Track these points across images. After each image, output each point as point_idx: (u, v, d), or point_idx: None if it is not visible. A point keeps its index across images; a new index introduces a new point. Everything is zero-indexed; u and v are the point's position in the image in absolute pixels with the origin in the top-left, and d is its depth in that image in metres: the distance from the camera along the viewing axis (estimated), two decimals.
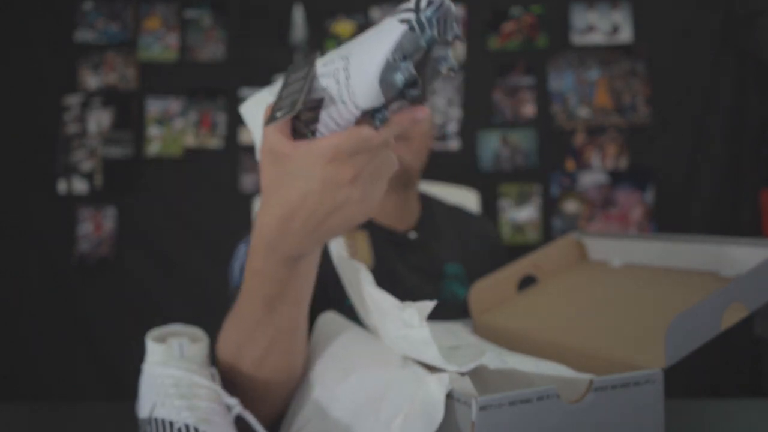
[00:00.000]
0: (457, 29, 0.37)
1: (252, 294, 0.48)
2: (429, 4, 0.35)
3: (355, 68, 0.37)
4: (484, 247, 0.89)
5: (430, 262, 0.83)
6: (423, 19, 0.35)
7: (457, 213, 0.94)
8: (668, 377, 0.44)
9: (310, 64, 0.41)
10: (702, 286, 0.54)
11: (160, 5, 1.91)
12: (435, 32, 0.36)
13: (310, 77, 0.39)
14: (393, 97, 0.37)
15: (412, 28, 0.35)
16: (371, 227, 0.83)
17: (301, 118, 0.40)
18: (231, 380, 0.54)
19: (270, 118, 0.40)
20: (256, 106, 0.51)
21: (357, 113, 0.38)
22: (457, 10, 1.92)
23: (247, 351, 0.51)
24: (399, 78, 0.36)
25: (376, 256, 0.79)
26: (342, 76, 0.38)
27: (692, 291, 0.54)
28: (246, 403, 0.51)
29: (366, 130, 0.38)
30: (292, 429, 0.52)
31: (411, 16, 0.35)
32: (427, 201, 0.92)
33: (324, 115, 0.40)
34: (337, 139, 0.38)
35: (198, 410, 0.47)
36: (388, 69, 0.36)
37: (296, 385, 0.54)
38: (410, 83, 0.36)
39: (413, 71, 0.36)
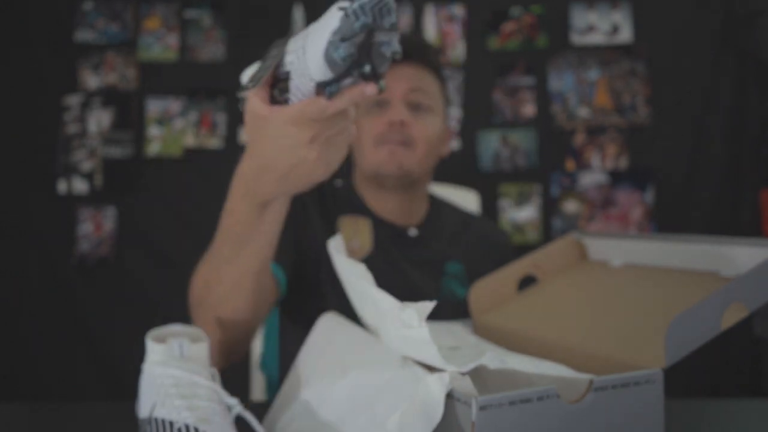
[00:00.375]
0: (393, 17, 0.45)
1: (224, 232, 0.58)
2: None
3: (309, 47, 0.45)
4: (492, 253, 0.89)
5: (430, 259, 0.84)
6: (357, 7, 0.43)
7: (466, 217, 0.95)
8: (668, 377, 0.44)
9: (284, 43, 0.49)
10: (702, 286, 0.54)
11: (160, 5, 1.91)
12: (368, 19, 0.43)
13: (280, 54, 0.48)
14: (341, 73, 0.45)
15: (347, 15, 0.43)
16: (373, 219, 0.84)
17: (278, 87, 0.50)
18: (199, 315, 0.63)
19: (243, 87, 0.49)
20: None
21: (312, 85, 0.46)
22: (457, 10, 1.92)
23: (213, 288, 0.60)
24: (339, 54, 0.44)
25: (377, 247, 0.81)
26: (301, 53, 0.46)
27: (692, 291, 0.54)
28: (213, 336, 0.60)
29: (322, 101, 0.46)
30: (278, 425, 0.52)
31: (347, 4, 0.43)
32: (435, 203, 0.93)
33: (292, 86, 0.48)
34: (300, 106, 0.46)
35: (198, 410, 0.47)
36: (330, 48, 0.44)
37: (258, 324, 0.65)
38: (349, 60, 0.44)
39: (351, 50, 0.44)
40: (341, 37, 0.43)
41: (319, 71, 0.45)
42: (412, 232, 0.87)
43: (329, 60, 0.44)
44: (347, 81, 0.46)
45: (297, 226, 0.79)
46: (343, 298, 0.64)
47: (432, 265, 0.84)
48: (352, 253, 0.80)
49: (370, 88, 0.46)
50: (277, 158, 0.49)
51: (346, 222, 0.85)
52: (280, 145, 0.48)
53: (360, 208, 0.87)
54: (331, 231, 0.83)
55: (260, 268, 0.59)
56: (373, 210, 0.88)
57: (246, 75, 0.57)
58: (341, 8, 0.43)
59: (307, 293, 0.81)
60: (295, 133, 0.47)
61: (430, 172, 0.89)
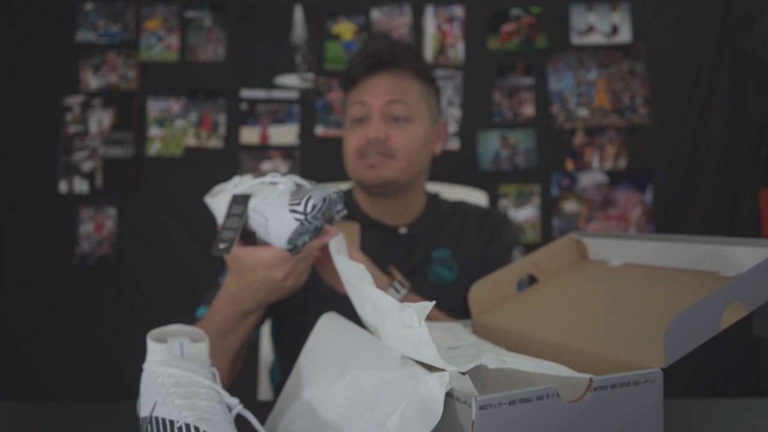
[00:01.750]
0: (342, 209, 0.60)
1: (210, 323, 0.70)
2: (313, 208, 0.55)
3: (271, 229, 0.59)
4: (478, 233, 0.93)
5: (418, 253, 0.86)
6: (310, 219, 0.56)
7: (456, 207, 0.96)
8: (667, 376, 0.44)
9: (245, 204, 0.61)
10: (701, 286, 0.54)
11: (160, 6, 1.92)
12: (320, 222, 0.57)
13: (243, 219, 0.61)
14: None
15: (302, 223, 0.57)
16: (366, 221, 0.87)
17: (246, 232, 0.63)
18: None
19: (215, 249, 0.61)
20: (217, 198, 0.70)
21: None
22: (457, 11, 1.92)
23: None
24: (300, 241, 0.59)
25: (368, 248, 0.83)
26: (264, 228, 0.59)
27: (692, 291, 0.54)
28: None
29: (287, 255, 0.60)
30: (280, 424, 0.52)
31: (300, 217, 0.56)
32: (433, 200, 0.95)
33: (258, 238, 0.63)
34: (269, 253, 0.61)
35: (198, 409, 0.47)
36: (293, 238, 0.58)
37: (233, 376, 0.76)
38: (308, 239, 0.59)
39: (307, 239, 0.58)
40: (299, 232, 0.57)
41: (282, 246, 0.59)
42: (402, 230, 0.90)
43: (291, 243, 0.58)
44: (307, 238, 0.59)
45: None
46: (328, 301, 0.75)
47: (420, 258, 0.86)
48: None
49: (328, 237, 0.59)
50: (252, 288, 0.64)
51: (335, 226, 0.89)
52: (253, 280, 0.63)
53: (354, 211, 0.92)
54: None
55: (239, 349, 0.73)
56: (366, 212, 0.92)
57: (210, 198, 0.69)
58: (296, 218, 0.56)
59: (300, 302, 0.83)
60: (269, 274, 0.62)
61: (421, 174, 0.91)
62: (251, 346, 1.03)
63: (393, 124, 0.85)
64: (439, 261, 0.88)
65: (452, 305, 0.83)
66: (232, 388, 0.52)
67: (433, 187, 1.04)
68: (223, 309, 0.68)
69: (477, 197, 1.20)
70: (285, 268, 0.61)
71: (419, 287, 0.82)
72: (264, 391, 1.09)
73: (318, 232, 0.58)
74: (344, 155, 0.90)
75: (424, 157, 0.89)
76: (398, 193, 0.89)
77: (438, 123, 0.94)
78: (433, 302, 0.43)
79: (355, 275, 0.51)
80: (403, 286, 0.73)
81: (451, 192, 1.09)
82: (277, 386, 0.97)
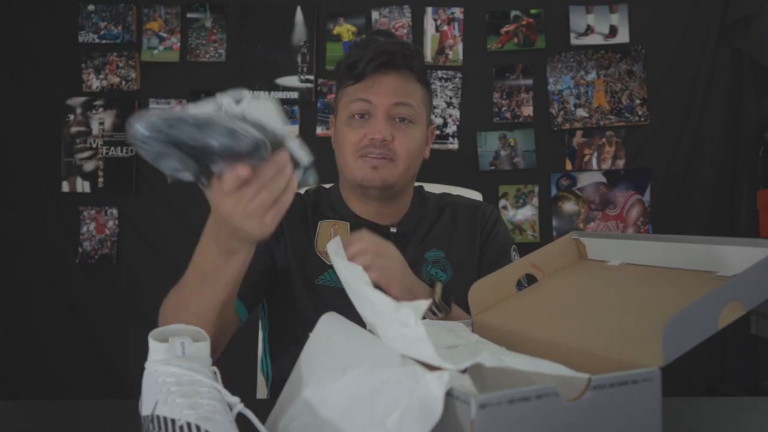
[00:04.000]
0: (186, 127, 0.53)
1: (194, 267, 0.66)
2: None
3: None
4: (466, 231, 0.93)
5: (411, 252, 0.86)
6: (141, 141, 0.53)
7: (442, 203, 0.96)
8: (666, 375, 0.44)
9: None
10: (699, 286, 0.54)
11: (161, 8, 1.92)
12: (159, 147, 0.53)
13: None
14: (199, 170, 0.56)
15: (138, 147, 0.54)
16: (356, 221, 0.87)
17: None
18: None
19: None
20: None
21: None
22: (456, 12, 1.93)
23: (180, 315, 0.66)
24: (166, 167, 0.55)
25: None
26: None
27: (690, 290, 0.54)
28: None
29: (215, 185, 0.57)
30: (281, 423, 0.52)
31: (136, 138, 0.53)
32: (419, 197, 0.95)
33: None
34: (212, 189, 0.57)
35: (199, 408, 0.47)
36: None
37: (217, 351, 0.70)
38: (187, 166, 0.55)
39: (175, 164, 0.54)
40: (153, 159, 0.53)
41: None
42: (393, 230, 0.89)
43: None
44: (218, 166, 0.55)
45: (269, 246, 0.86)
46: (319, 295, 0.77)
47: (413, 258, 0.87)
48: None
49: (241, 170, 0.55)
50: (222, 220, 0.60)
51: (325, 226, 0.89)
52: (218, 210, 0.60)
53: (343, 211, 0.90)
54: (312, 235, 0.88)
55: (224, 302, 0.66)
56: (355, 212, 0.91)
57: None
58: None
59: (289, 297, 0.83)
60: (220, 202, 0.58)
61: (414, 177, 0.91)
62: (249, 345, 1.02)
63: (396, 126, 0.85)
64: (432, 262, 0.88)
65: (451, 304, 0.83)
66: (230, 388, 0.52)
67: (431, 188, 1.04)
68: (205, 247, 0.64)
69: (473, 197, 1.20)
70: (230, 199, 0.56)
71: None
72: (262, 390, 1.10)
73: (257, 154, 0.52)
74: (339, 151, 0.88)
75: (419, 161, 0.90)
76: (393, 195, 0.89)
77: (430, 127, 0.94)
78: (429, 300, 0.44)
79: (353, 276, 0.52)
80: (439, 309, 0.73)
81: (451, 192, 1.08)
82: (271, 384, 0.95)
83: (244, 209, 0.56)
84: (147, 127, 0.49)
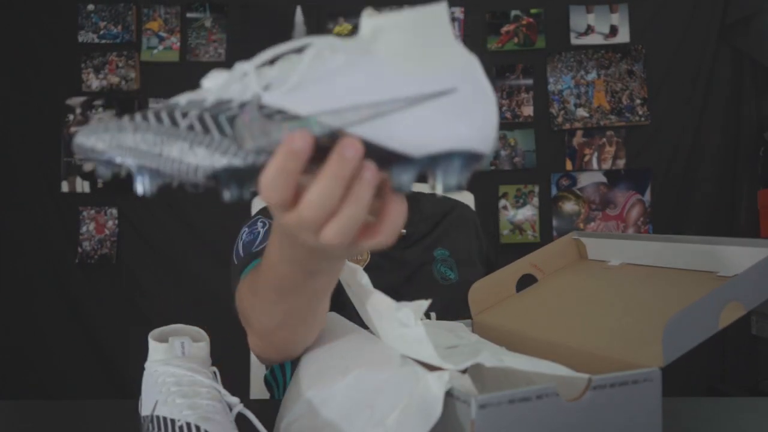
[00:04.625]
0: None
1: (266, 278, 0.47)
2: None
3: None
4: (468, 231, 0.94)
5: (420, 251, 0.87)
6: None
7: (443, 204, 0.97)
8: (666, 375, 0.44)
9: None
10: (700, 286, 0.55)
11: (161, 7, 1.92)
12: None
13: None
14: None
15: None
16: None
17: None
18: (250, 335, 0.58)
19: None
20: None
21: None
22: (456, 12, 1.93)
23: (257, 318, 0.53)
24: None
25: (377, 252, 0.82)
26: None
27: (690, 290, 0.54)
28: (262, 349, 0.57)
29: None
30: (282, 424, 0.52)
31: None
32: (414, 196, 0.95)
33: None
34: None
35: (199, 408, 0.47)
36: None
37: (311, 342, 0.56)
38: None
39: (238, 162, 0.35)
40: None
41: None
42: (403, 230, 0.90)
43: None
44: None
45: None
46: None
47: (423, 257, 0.87)
48: (355, 263, 0.83)
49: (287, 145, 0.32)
50: (289, 232, 0.38)
51: None
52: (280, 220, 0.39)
53: None
54: None
55: (308, 315, 0.50)
56: None
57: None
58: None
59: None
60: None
61: None
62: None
63: None
64: (441, 260, 0.88)
65: (457, 306, 0.83)
66: (230, 388, 0.52)
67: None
68: (271, 262, 0.45)
69: (465, 199, 1.20)
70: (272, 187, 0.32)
71: (427, 287, 0.82)
72: (256, 390, 1.09)
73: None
74: None
75: None
76: None
77: None
78: (429, 300, 0.44)
79: (352, 276, 0.52)
80: None
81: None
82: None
83: (316, 234, 0.34)
84: (95, 140, 0.33)
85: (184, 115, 0.31)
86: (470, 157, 0.31)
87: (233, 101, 0.31)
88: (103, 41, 1.90)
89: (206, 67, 1.96)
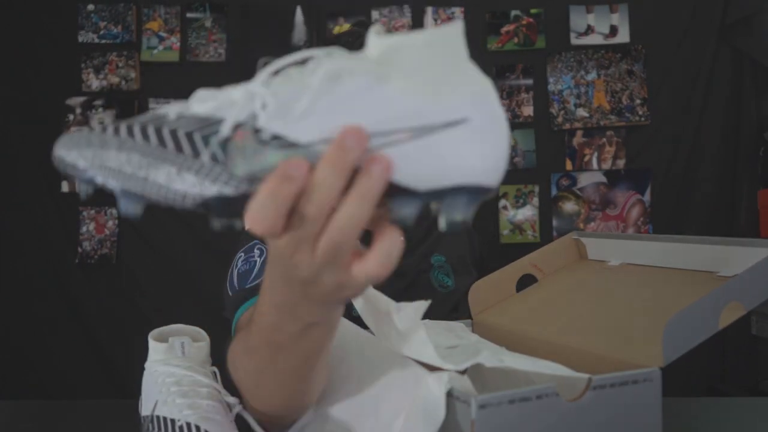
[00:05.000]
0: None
1: (260, 331, 0.42)
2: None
3: None
4: (460, 233, 0.92)
5: (417, 258, 0.86)
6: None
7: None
8: (666, 375, 0.44)
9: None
10: (700, 286, 0.55)
11: (161, 7, 1.92)
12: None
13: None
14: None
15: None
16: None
17: None
18: (245, 399, 0.51)
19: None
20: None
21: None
22: (456, 12, 1.93)
23: (256, 394, 0.48)
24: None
25: None
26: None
27: (690, 290, 0.54)
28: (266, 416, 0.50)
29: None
30: (292, 430, 0.52)
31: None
32: None
33: None
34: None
35: (199, 408, 0.47)
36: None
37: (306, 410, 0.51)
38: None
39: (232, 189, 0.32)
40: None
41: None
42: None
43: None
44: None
45: None
46: None
47: (421, 264, 0.86)
48: None
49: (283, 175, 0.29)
50: (287, 272, 0.35)
51: None
52: (277, 256, 0.36)
53: None
54: None
55: (307, 375, 0.45)
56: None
57: None
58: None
59: None
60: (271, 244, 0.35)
61: None
62: None
63: None
64: (438, 267, 0.86)
65: (456, 314, 0.82)
66: (230, 388, 0.52)
67: None
68: (264, 311, 0.41)
69: None
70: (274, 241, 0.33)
71: (426, 296, 0.81)
72: None
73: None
74: None
75: None
76: None
77: None
78: (429, 301, 0.44)
79: None
80: None
81: None
82: None
83: (311, 249, 0.31)
84: (76, 156, 0.30)
85: (173, 132, 0.29)
86: (477, 192, 0.29)
87: (226, 120, 0.28)
88: (103, 41, 1.90)
89: (206, 67, 1.94)
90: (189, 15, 1.92)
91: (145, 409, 0.49)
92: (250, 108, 0.29)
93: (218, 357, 0.63)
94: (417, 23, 1.92)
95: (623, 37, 1.90)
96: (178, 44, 1.90)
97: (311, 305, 0.36)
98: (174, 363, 0.50)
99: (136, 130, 0.29)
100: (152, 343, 0.52)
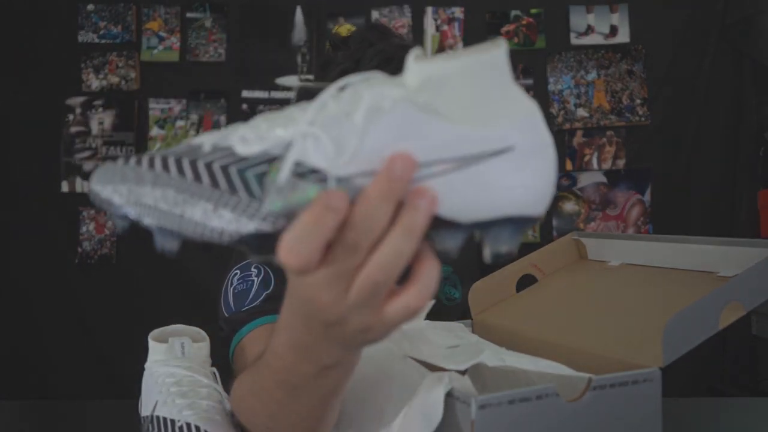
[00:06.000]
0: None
1: (273, 373, 0.40)
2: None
3: None
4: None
5: None
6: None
7: None
8: (666, 376, 0.44)
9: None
10: (700, 286, 0.54)
11: (161, 7, 1.92)
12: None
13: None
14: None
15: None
16: None
17: None
18: None
19: None
20: None
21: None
22: (456, 12, 1.93)
23: (262, 423, 0.46)
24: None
25: None
26: None
27: (690, 290, 0.54)
28: None
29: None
30: None
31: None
32: None
33: None
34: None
35: (199, 409, 0.47)
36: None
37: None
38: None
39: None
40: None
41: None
42: None
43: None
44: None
45: None
46: None
47: None
48: None
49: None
50: (308, 312, 0.33)
51: None
52: (298, 296, 0.35)
53: None
54: None
55: (323, 413, 0.42)
56: None
57: None
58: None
59: None
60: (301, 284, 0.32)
61: None
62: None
63: None
64: (445, 279, 0.83)
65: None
66: (228, 388, 0.52)
67: None
68: (280, 352, 0.38)
69: None
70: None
71: (432, 310, 0.79)
72: None
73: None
74: None
75: None
76: None
77: None
78: (433, 301, 0.43)
79: None
80: None
81: None
82: None
83: (345, 288, 0.29)
84: (112, 191, 0.30)
85: (208, 166, 0.28)
86: (523, 222, 0.28)
87: (285, 162, 0.27)
88: (103, 41, 1.90)
89: (206, 67, 1.94)
90: (189, 15, 1.92)
91: (144, 410, 0.49)
92: (302, 148, 0.27)
93: (218, 357, 0.64)
94: (417, 23, 1.92)
95: (623, 37, 1.90)
96: (178, 44, 1.90)
97: (331, 347, 0.34)
98: (174, 363, 0.50)
99: (171, 162, 0.29)
100: (152, 344, 0.52)
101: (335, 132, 0.27)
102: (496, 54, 0.28)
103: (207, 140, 0.29)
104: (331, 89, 0.28)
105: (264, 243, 0.28)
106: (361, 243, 0.27)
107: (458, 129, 0.27)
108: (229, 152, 0.28)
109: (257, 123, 0.29)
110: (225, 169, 0.28)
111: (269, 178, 0.27)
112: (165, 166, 0.29)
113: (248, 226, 0.27)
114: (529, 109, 0.28)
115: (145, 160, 0.29)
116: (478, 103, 0.28)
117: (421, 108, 0.27)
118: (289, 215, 0.27)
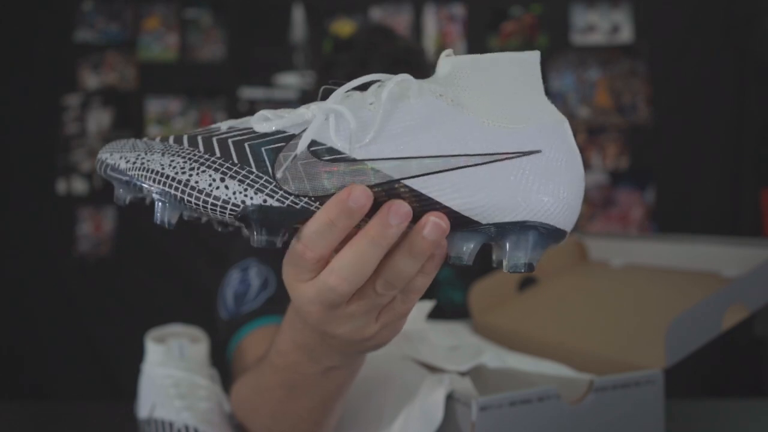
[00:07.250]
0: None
1: (275, 369, 0.40)
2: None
3: None
4: None
5: None
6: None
7: None
8: (668, 377, 0.44)
9: None
10: (703, 287, 0.54)
11: (159, 5, 1.91)
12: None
13: None
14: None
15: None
16: None
17: None
18: None
19: None
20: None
21: None
22: (457, 10, 1.92)
23: (262, 423, 0.46)
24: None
25: None
26: None
27: (693, 291, 0.54)
28: None
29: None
30: None
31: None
32: None
33: None
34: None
35: (198, 411, 0.47)
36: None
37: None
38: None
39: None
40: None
41: None
42: None
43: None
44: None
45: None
46: None
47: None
48: None
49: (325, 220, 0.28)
50: (303, 312, 0.33)
51: None
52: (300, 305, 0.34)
53: None
54: None
55: (327, 412, 0.42)
56: None
57: None
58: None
59: None
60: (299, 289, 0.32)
61: None
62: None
63: None
64: (446, 282, 0.82)
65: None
66: (227, 389, 0.51)
67: None
68: (282, 350, 0.38)
69: None
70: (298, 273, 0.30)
71: (432, 316, 0.78)
72: None
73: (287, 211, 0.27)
74: None
75: None
76: None
77: None
78: (434, 301, 0.43)
79: None
80: None
81: None
82: None
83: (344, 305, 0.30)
84: (119, 158, 0.30)
85: (222, 141, 0.28)
86: (548, 233, 0.26)
87: (303, 136, 0.27)
88: (101, 39, 1.90)
89: (205, 66, 1.94)
90: (187, 12, 1.91)
91: (142, 412, 0.48)
92: (324, 126, 0.27)
93: (217, 358, 0.63)
94: (417, 21, 1.92)
95: (626, 35, 1.89)
96: (177, 42, 1.90)
97: (331, 352, 0.35)
98: (172, 364, 0.49)
99: (185, 139, 0.29)
100: (150, 345, 0.51)
101: (359, 113, 0.27)
102: (528, 57, 0.28)
103: (224, 124, 0.29)
104: (355, 82, 0.27)
105: (267, 217, 0.27)
106: (347, 285, 0.28)
107: (486, 124, 0.26)
108: (248, 131, 0.28)
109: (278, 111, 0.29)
110: (239, 143, 0.27)
111: (283, 154, 0.27)
112: (178, 140, 0.29)
113: (255, 198, 0.27)
114: (558, 117, 0.28)
115: (158, 138, 0.29)
116: (507, 103, 0.27)
117: (447, 99, 0.27)
118: (301, 194, 0.27)
